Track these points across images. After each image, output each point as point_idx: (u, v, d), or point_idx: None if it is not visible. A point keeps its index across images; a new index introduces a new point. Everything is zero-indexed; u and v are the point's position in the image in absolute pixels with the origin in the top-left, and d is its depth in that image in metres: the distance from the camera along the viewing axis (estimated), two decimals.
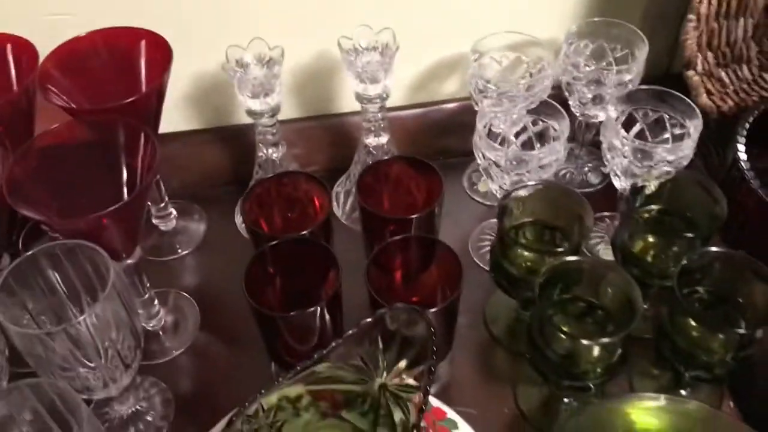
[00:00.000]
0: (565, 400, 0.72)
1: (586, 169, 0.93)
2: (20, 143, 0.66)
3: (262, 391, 0.56)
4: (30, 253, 0.59)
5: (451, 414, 0.66)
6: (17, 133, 0.69)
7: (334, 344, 0.58)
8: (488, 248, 0.83)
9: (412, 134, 0.94)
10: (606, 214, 0.87)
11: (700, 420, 0.65)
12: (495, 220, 0.71)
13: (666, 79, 0.82)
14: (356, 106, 0.82)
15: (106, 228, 0.63)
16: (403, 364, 0.58)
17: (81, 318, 0.56)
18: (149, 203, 0.85)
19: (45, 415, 0.55)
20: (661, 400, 0.66)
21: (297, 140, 0.91)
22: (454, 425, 0.66)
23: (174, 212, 0.88)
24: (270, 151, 0.81)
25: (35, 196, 0.63)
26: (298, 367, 0.57)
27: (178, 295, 0.82)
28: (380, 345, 0.58)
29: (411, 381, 0.57)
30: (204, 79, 0.87)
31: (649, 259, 0.71)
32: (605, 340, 0.61)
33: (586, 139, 0.90)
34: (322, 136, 0.93)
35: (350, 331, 0.58)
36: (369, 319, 0.58)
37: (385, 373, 0.58)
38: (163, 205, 0.86)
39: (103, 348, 0.59)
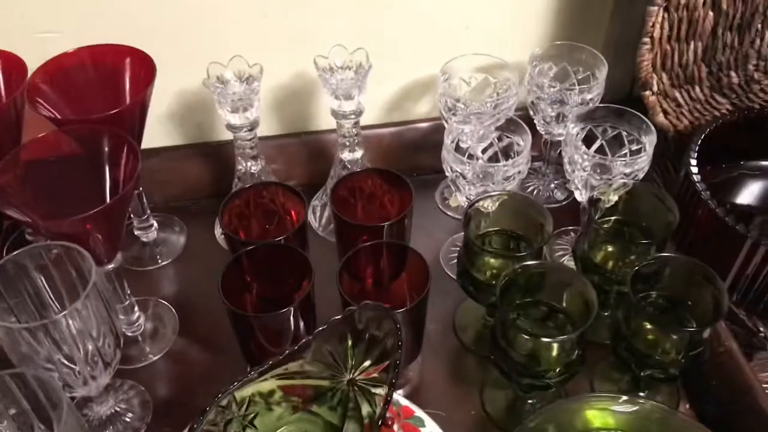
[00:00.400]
0: (529, 401, 0.75)
1: (553, 185, 0.97)
2: (7, 151, 0.69)
3: (235, 384, 0.58)
4: (15, 253, 0.62)
5: (419, 413, 0.69)
6: (5, 141, 0.72)
7: (304, 340, 0.61)
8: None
9: (387, 151, 0.98)
10: (571, 228, 0.92)
11: (657, 420, 0.68)
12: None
13: (628, 101, 0.87)
14: (332, 124, 0.86)
15: (89, 232, 0.66)
16: (369, 360, 0.61)
17: (62, 314, 0.58)
18: (132, 215, 0.88)
19: (27, 409, 0.57)
20: (620, 401, 0.70)
21: (276, 156, 0.95)
22: (422, 423, 0.68)
23: (155, 224, 0.91)
24: (249, 164, 0.85)
25: (21, 200, 0.66)
26: (271, 361, 0.60)
27: (157, 303, 0.85)
28: (349, 342, 0.61)
29: (377, 375, 0.60)
30: (186, 96, 0.91)
31: (608, 266, 0.75)
32: (563, 337, 0.64)
33: (552, 157, 0.94)
34: (299, 152, 0.97)
35: (320, 328, 0.61)
36: (338, 317, 0.61)
37: (353, 369, 0.61)
38: (145, 217, 0.89)
39: (84, 346, 0.62)
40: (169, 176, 0.95)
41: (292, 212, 0.81)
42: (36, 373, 0.56)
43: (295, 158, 0.97)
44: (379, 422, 0.57)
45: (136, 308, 0.80)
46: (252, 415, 0.60)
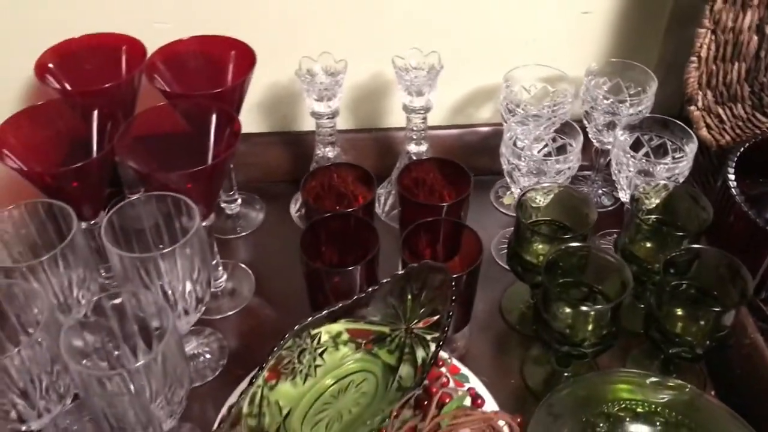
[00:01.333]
0: (565, 374, 0.82)
1: (600, 192, 1.05)
2: (126, 116, 0.81)
3: (310, 318, 0.68)
4: (135, 197, 0.73)
5: (464, 370, 0.77)
6: (125, 108, 0.84)
7: (370, 289, 0.70)
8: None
9: (448, 151, 1.06)
10: (614, 230, 0.99)
11: (684, 399, 0.75)
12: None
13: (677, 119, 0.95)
14: (401, 122, 0.96)
15: (190, 190, 0.77)
16: (425, 312, 0.70)
17: (177, 245, 0.68)
18: (221, 191, 1.00)
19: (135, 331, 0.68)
20: (650, 378, 0.77)
21: (349, 148, 1.05)
22: (466, 379, 0.76)
23: (239, 200, 1.02)
24: (326, 150, 0.96)
25: (138, 157, 0.77)
26: (341, 304, 0.69)
27: (237, 265, 0.95)
28: (408, 294, 0.71)
29: (431, 325, 0.69)
30: (275, 88, 1.03)
31: (645, 258, 0.82)
32: (599, 307, 0.72)
33: (601, 165, 1.02)
34: (369, 146, 1.07)
35: (385, 280, 0.70)
36: (401, 271, 0.70)
37: (410, 319, 0.70)
38: (231, 192, 1.01)
39: (184, 284, 0.72)
40: (254, 160, 1.06)
41: (360, 197, 0.91)
42: (145, 293, 0.66)
43: (365, 151, 1.07)
44: (431, 363, 0.66)
45: (221, 267, 0.90)
46: (322, 349, 0.69)
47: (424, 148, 0.96)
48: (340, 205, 0.92)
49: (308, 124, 1.07)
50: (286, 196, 1.06)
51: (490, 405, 0.73)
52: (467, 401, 0.63)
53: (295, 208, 1.04)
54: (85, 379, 0.59)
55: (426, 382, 0.64)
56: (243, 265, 0.96)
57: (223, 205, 1.01)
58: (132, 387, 0.61)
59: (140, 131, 0.80)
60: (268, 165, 1.07)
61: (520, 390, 0.83)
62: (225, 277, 0.92)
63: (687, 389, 0.76)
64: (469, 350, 0.87)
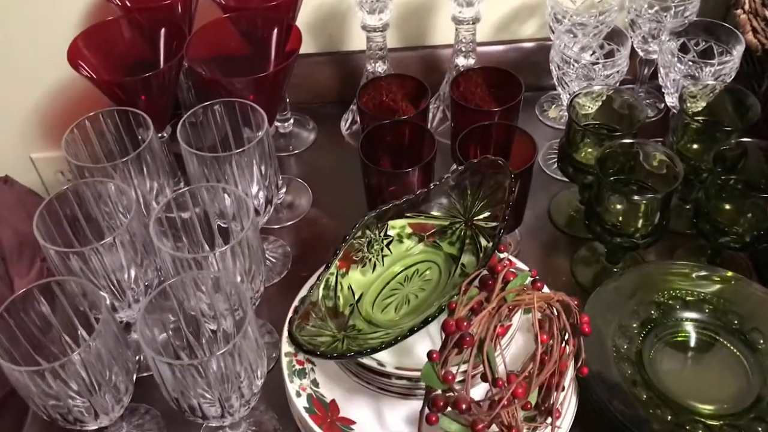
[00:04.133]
0: (615, 270, 0.85)
1: (644, 103, 1.07)
2: (187, 30, 0.84)
3: (377, 210, 0.72)
4: (208, 103, 0.76)
5: (519, 264, 0.81)
6: (184, 22, 0.88)
7: (432, 185, 0.74)
8: (554, 160, 0.98)
9: None
10: (659, 139, 1.01)
11: (732, 287, 0.78)
12: (561, 138, 0.86)
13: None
14: (446, 39, 0.98)
15: (254, 100, 0.81)
16: (484, 204, 0.73)
17: (247, 147, 0.72)
18: None
19: None
20: (700, 267, 0.80)
21: (396, 67, 1.07)
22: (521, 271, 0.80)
23: (292, 119, 1.06)
24: (377, 65, 0.98)
25: (203, 66, 0.81)
26: (405, 197, 0.73)
27: (293, 180, 1.00)
28: (468, 189, 0.74)
29: (491, 215, 0.72)
30: (323, 8, 1.05)
31: (693, 157, 0.85)
32: (651, 196, 0.75)
33: (645, 76, 1.04)
34: (416, 64, 1.09)
35: (445, 176, 0.74)
36: (460, 167, 0.74)
37: (471, 211, 0.74)
38: (285, 111, 1.04)
39: (253, 183, 0.76)
40: (302, 81, 1.09)
41: (411, 112, 0.94)
42: (224, 188, 0.70)
43: (411, 69, 1.08)
44: (495, 247, 0.69)
45: (280, 176, 0.94)
46: (388, 240, 0.73)
47: (472, 61, 0.98)
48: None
49: (354, 44, 1.10)
50: (335, 116, 1.09)
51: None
52: (529, 281, 0.67)
53: (345, 126, 1.07)
54: (176, 261, 0.64)
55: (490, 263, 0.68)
56: (300, 180, 1.00)
57: (276, 123, 1.05)
58: (221, 266, 0.65)
59: (204, 44, 0.83)
60: (318, 86, 1.10)
61: (571, 287, 0.87)
62: (284, 189, 0.96)
63: (733, 278, 0.79)
64: (520, 252, 0.90)
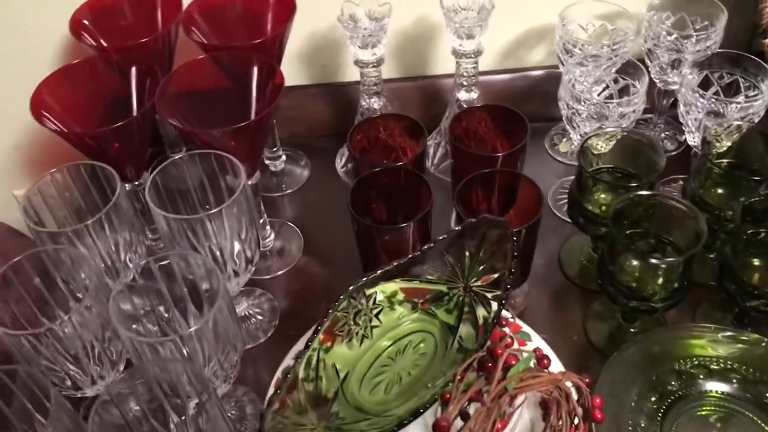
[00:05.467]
0: (631, 330, 0.78)
1: (663, 136, 0.99)
2: (163, 72, 0.78)
3: (364, 279, 0.65)
4: (178, 156, 0.70)
5: (525, 328, 0.74)
6: (162, 63, 0.81)
7: (426, 247, 0.67)
8: (565, 202, 0.91)
9: (498, 98, 1.01)
10: (680, 176, 0.93)
11: (760, 353, 0.71)
12: (573, 177, 0.79)
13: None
14: (448, 69, 0.90)
15: (234, 148, 0.74)
16: (484, 269, 0.66)
17: (215, 209, 0.66)
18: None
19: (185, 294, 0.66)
20: (723, 332, 0.72)
21: (394, 99, 1.01)
22: (528, 338, 0.73)
23: (284, 156, 0.99)
24: (372, 101, 0.91)
25: (179, 114, 0.74)
26: (395, 263, 0.66)
27: (284, 224, 0.93)
28: (466, 252, 0.67)
29: (491, 283, 0.65)
30: (315, 37, 0.98)
31: (717, 205, 0.77)
32: (671, 260, 0.67)
33: (664, 107, 0.96)
34: (415, 95, 1.02)
35: (441, 237, 0.67)
36: (457, 227, 0.67)
37: (469, 277, 0.67)
38: (275, 148, 0.97)
39: (232, 244, 0.70)
40: (296, 114, 1.02)
41: (408, 150, 0.87)
42: (194, 255, 0.64)
43: (410, 101, 1.02)
44: (494, 323, 0.62)
45: (268, 225, 0.88)
46: (378, 309, 0.66)
47: (475, 95, 0.91)
48: (388, 159, 0.88)
49: (350, 74, 1.03)
50: (330, 151, 1.02)
51: (556, 364, 0.69)
52: (533, 363, 0.60)
53: (340, 163, 1.00)
54: (136, 345, 0.57)
55: (489, 343, 0.61)
56: (290, 224, 0.93)
57: (267, 162, 0.98)
58: (185, 352, 0.59)
59: (180, 87, 0.77)
60: (311, 119, 1.04)
61: (583, 346, 0.79)
62: (273, 236, 0.90)
63: (764, 343, 0.71)
64: (528, 307, 0.83)
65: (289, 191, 0.98)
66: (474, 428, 0.52)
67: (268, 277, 0.88)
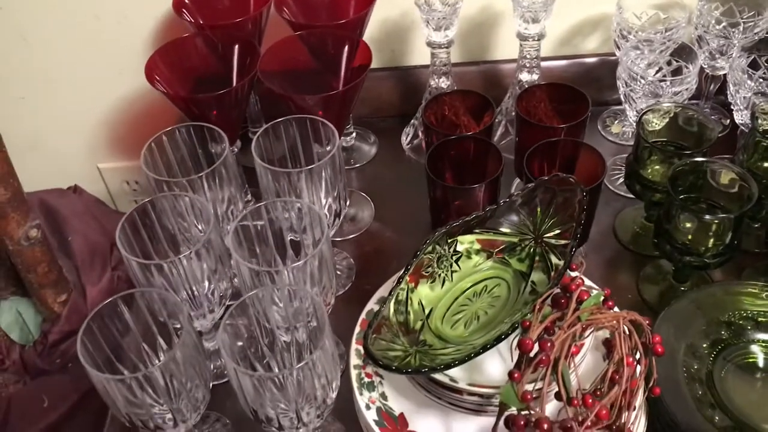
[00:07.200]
0: (682, 288, 0.84)
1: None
2: (255, 48, 0.86)
3: (447, 226, 0.72)
4: (275, 121, 0.78)
5: (588, 282, 0.80)
6: (254, 42, 0.90)
7: (502, 201, 0.74)
8: (618, 176, 0.98)
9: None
10: (726, 156, 0.99)
11: None
12: (625, 155, 0.85)
13: None
14: (508, 54, 0.98)
15: (322, 116, 0.82)
16: (554, 221, 0.73)
17: (314, 165, 0.74)
18: None
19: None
20: None
21: (457, 82, 1.08)
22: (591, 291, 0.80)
23: (354, 133, 1.07)
24: (441, 80, 0.99)
25: (277, 83, 0.83)
26: (475, 214, 0.73)
27: (355, 192, 1.01)
28: (538, 207, 0.74)
29: (561, 233, 0.72)
30: (387, 24, 1.07)
31: (765, 176, 0.83)
32: (723, 215, 0.74)
33: (710, 92, 1.03)
34: (477, 79, 1.10)
35: (515, 192, 0.74)
36: (531, 184, 0.74)
37: (540, 229, 0.74)
38: (348, 125, 1.05)
39: (326, 198, 0.78)
40: (364, 95, 1.09)
41: (472, 129, 0.94)
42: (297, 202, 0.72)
43: (473, 84, 1.09)
44: (567, 265, 0.69)
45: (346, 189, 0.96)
46: (457, 256, 0.74)
47: (536, 77, 0.99)
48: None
49: (416, 59, 1.11)
50: (396, 130, 1.10)
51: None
52: (601, 299, 0.67)
53: (406, 140, 1.08)
54: (253, 273, 0.65)
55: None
56: (362, 193, 1.01)
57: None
58: (296, 279, 0.66)
59: (275, 59, 0.85)
60: (379, 100, 1.12)
61: (637, 304, 0.86)
62: (348, 202, 0.97)
63: None
64: (586, 269, 0.89)
65: (358, 165, 1.06)
66: (553, 347, 0.59)
67: (342, 239, 0.96)
